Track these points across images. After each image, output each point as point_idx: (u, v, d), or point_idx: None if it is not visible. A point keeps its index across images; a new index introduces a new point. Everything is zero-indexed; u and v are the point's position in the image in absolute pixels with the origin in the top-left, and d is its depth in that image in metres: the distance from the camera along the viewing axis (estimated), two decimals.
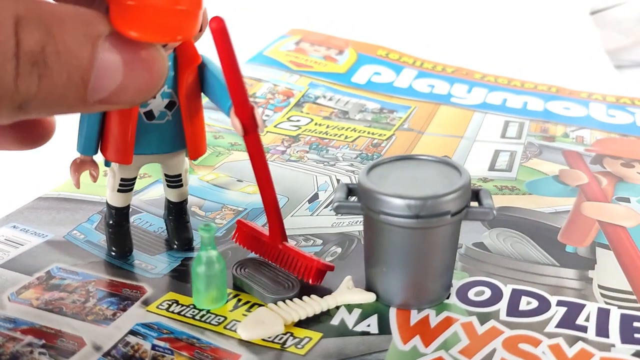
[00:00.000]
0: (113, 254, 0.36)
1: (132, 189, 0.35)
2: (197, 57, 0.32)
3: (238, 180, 0.45)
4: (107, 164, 0.34)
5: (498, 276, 0.35)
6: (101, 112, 0.32)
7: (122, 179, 0.35)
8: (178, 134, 0.33)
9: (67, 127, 0.51)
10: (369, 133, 0.52)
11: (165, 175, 0.36)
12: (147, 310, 0.32)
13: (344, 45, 0.66)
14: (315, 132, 0.52)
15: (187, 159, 0.36)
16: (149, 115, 0.32)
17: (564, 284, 0.35)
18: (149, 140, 0.33)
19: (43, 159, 0.47)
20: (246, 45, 0.71)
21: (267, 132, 0.52)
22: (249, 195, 0.43)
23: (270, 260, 0.35)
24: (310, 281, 0.33)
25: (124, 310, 0.32)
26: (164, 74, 0.23)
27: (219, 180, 0.45)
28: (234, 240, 0.36)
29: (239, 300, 0.33)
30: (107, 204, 0.36)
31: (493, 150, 0.50)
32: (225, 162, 0.47)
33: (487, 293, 0.34)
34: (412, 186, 0.30)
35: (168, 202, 0.37)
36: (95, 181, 0.34)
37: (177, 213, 0.37)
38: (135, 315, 0.32)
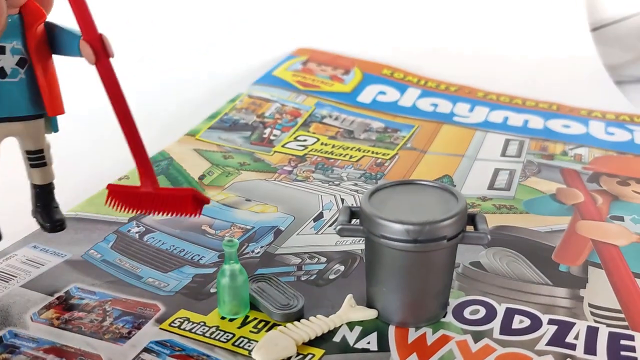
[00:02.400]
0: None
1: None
2: (42, 13, 0.33)
3: (247, 200, 0.47)
4: None
5: (493, 295, 0.37)
6: None
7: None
8: (34, 95, 0.34)
9: (84, 149, 0.53)
10: (373, 152, 0.54)
11: (27, 153, 0.36)
12: (160, 328, 0.34)
13: (350, 64, 0.69)
14: (321, 152, 0.54)
15: (47, 137, 0.36)
16: (1, 73, 0.33)
17: (556, 303, 0.37)
18: (5, 100, 0.33)
19: (59, 180, 0.49)
20: (255, 64, 0.73)
21: (275, 152, 0.54)
22: (257, 214, 0.45)
23: (148, 210, 0.34)
24: (190, 211, 0.33)
25: (139, 328, 0.34)
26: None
27: (228, 200, 0.47)
28: (108, 204, 0.35)
29: (247, 317, 0.35)
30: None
31: (493, 168, 0.52)
32: (235, 182, 0.49)
33: (482, 312, 0.36)
34: (411, 211, 0.32)
35: (33, 187, 0.37)
36: None
37: (44, 199, 0.36)
38: (149, 333, 0.34)
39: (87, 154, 0.52)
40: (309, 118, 0.59)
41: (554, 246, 0.42)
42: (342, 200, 0.47)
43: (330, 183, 0.49)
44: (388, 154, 0.54)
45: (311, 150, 0.54)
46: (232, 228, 0.44)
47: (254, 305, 0.36)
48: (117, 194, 0.35)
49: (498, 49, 0.73)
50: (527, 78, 0.68)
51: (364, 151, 0.54)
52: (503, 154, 0.54)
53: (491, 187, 0.49)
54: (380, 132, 0.57)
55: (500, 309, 0.36)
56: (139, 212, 0.35)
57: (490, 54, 0.72)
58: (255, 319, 0.35)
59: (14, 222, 0.44)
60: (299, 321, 0.34)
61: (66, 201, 0.46)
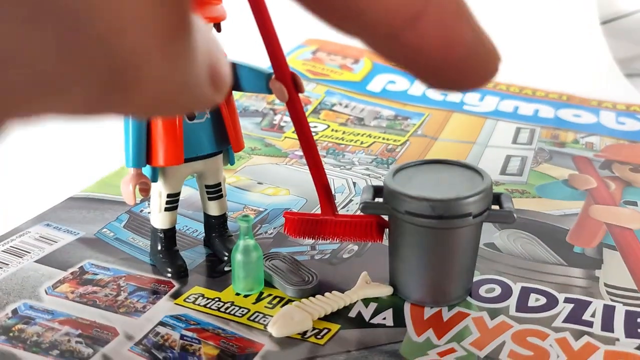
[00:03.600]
0: (169, 275, 0.36)
1: (177, 207, 0.36)
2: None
3: (258, 183, 0.47)
4: (153, 178, 0.35)
5: (508, 275, 0.37)
6: (145, 123, 0.33)
7: (168, 195, 0.35)
8: (218, 132, 0.35)
9: (93, 132, 0.53)
10: (383, 139, 0.54)
11: (206, 187, 0.37)
12: (175, 303, 0.34)
13: (359, 54, 0.69)
14: (332, 138, 0.54)
15: (223, 171, 0.37)
16: (190, 115, 0.34)
17: (571, 283, 0.36)
18: (193, 141, 0.34)
19: (70, 162, 0.50)
20: (264, 54, 0.73)
21: (286, 137, 0.54)
22: (269, 197, 0.45)
23: (328, 236, 0.35)
24: (374, 238, 0.34)
25: (154, 303, 0.34)
26: None
27: (240, 183, 0.47)
28: (285, 232, 0.36)
29: (261, 293, 0.35)
30: (153, 231, 0.36)
31: (504, 155, 0.52)
32: (246, 166, 0.49)
33: (497, 290, 0.36)
34: (435, 188, 0.32)
35: (209, 219, 0.38)
36: (147, 195, 0.34)
37: (220, 228, 0.38)
38: (164, 307, 0.34)
39: (98, 136, 0.52)
40: (319, 106, 0.59)
41: (567, 229, 0.42)
42: (354, 183, 0.47)
43: (341, 167, 0.49)
44: (399, 140, 0.54)
45: (322, 137, 0.54)
46: (244, 210, 0.44)
47: (268, 283, 0.36)
48: (294, 221, 0.36)
49: (507, 41, 0.73)
50: (537, 70, 0.68)
51: (374, 137, 0.54)
52: (514, 142, 0.54)
53: (503, 172, 0.49)
54: (391, 119, 0.57)
55: (516, 288, 0.36)
56: (319, 239, 0.36)
57: (499, 45, 0.72)
58: (270, 295, 0.35)
59: (26, 201, 0.44)
60: (314, 297, 0.34)
61: (78, 182, 0.46)
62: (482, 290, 0.35)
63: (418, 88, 0.63)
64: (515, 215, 0.33)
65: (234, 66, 0.35)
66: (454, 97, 0.62)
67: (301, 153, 0.51)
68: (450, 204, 0.31)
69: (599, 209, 0.44)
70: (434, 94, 0.62)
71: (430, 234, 0.32)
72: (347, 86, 0.63)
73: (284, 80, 0.33)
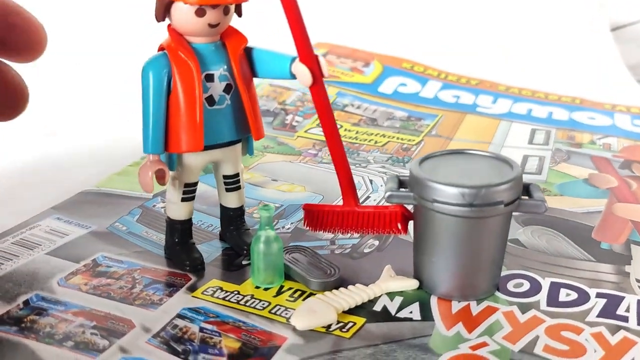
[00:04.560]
0: (186, 267, 0.35)
1: (194, 197, 0.35)
2: (243, 38, 0.33)
3: (273, 180, 0.46)
4: (170, 167, 0.34)
5: (535, 270, 0.36)
6: (165, 106, 0.32)
7: (185, 185, 0.34)
8: (238, 119, 0.34)
9: (101, 125, 0.52)
10: (398, 138, 0.53)
11: (224, 177, 0.36)
12: (193, 296, 0.33)
13: (370, 58, 0.68)
14: (345, 138, 0.53)
15: (241, 162, 0.36)
16: (210, 100, 0.33)
17: (601, 278, 0.35)
18: (213, 128, 0.33)
19: (82, 157, 0.48)
20: (275, 43, 0.72)
21: (298, 136, 0.53)
22: (284, 193, 0.44)
23: (350, 228, 0.34)
24: (399, 229, 0.33)
25: (170, 296, 0.33)
26: None
27: (254, 180, 0.46)
28: (305, 225, 0.35)
29: (282, 286, 0.34)
30: (169, 222, 0.35)
31: (522, 155, 0.51)
32: (260, 164, 0.48)
33: (526, 285, 0.34)
34: (464, 176, 0.31)
35: (226, 211, 0.37)
36: (164, 183, 0.33)
37: (237, 221, 0.36)
38: (181, 300, 0.33)
39: (110, 130, 0.51)
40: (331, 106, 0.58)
41: (592, 226, 0.41)
42: (371, 181, 0.46)
43: (357, 165, 0.48)
44: (414, 140, 0.53)
45: None
46: (260, 204, 0.42)
47: (288, 276, 0.35)
48: (314, 213, 0.35)
49: (518, 45, 0.72)
50: (549, 75, 0.67)
51: (388, 137, 0.53)
52: (530, 142, 0.53)
53: (522, 171, 0.48)
54: (404, 120, 0.57)
55: (545, 283, 0.35)
56: (340, 232, 0.35)
57: (511, 50, 0.72)
58: (291, 288, 0.34)
59: (38, 195, 0.42)
60: (337, 290, 0.33)
61: (89, 177, 0.45)
62: (510, 285, 0.34)
63: (430, 90, 0.62)
64: (546, 204, 0.32)
65: (255, 52, 0.34)
66: (467, 99, 0.61)
67: (314, 151, 0.51)
68: (482, 192, 0.30)
69: (623, 206, 0.43)
70: (446, 97, 0.61)
71: (459, 223, 0.31)
72: (358, 88, 0.62)
73: (309, 62, 0.32)
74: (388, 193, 0.32)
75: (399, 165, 0.49)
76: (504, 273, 0.35)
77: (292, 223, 0.40)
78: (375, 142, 0.52)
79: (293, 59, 0.33)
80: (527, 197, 0.33)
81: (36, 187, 0.44)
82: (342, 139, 0.53)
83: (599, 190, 0.45)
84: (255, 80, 0.35)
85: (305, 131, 0.54)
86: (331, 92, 0.61)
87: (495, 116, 0.58)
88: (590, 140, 0.54)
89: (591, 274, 0.36)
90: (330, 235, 0.39)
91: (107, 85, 0.59)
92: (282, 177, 0.46)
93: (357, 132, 0.54)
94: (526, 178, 0.46)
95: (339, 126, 0.55)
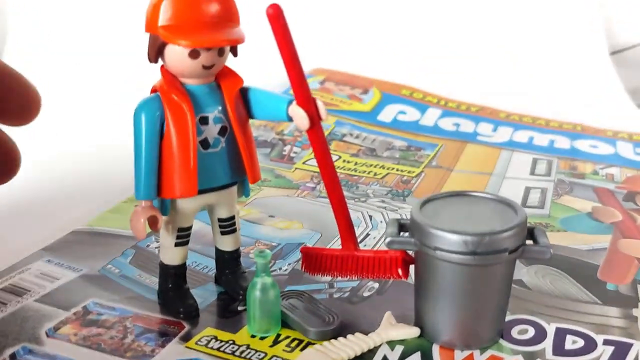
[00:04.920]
0: (180, 315, 0.34)
1: (188, 242, 0.34)
2: (238, 79, 0.33)
3: (270, 216, 0.45)
4: (163, 212, 0.33)
5: (541, 314, 0.35)
6: (158, 151, 0.31)
7: (179, 229, 0.33)
8: (233, 162, 0.33)
9: (97, 161, 0.51)
10: (397, 170, 0.52)
11: (219, 220, 0.35)
12: (187, 347, 0.32)
13: (368, 84, 0.67)
14: (344, 169, 0.52)
15: (236, 205, 0.35)
16: (204, 143, 0.32)
17: (608, 323, 0.34)
18: (207, 171, 0.32)
19: (74, 194, 0.47)
20: (271, 83, 0.72)
21: (296, 168, 0.52)
22: (282, 231, 0.43)
23: (349, 273, 0.33)
24: (401, 273, 0.32)
25: (163, 346, 0.32)
26: None
27: (251, 216, 0.45)
28: (303, 269, 0.35)
29: (279, 335, 0.33)
30: (163, 267, 0.34)
31: (523, 187, 0.50)
32: (257, 198, 0.47)
33: (531, 331, 0.33)
34: (467, 222, 0.30)
35: (221, 254, 0.36)
36: (157, 229, 0.32)
37: (233, 264, 0.35)
38: (174, 351, 0.32)
39: (103, 167, 0.50)
40: (329, 136, 0.57)
41: (597, 264, 0.40)
42: (370, 217, 0.45)
43: (356, 200, 0.47)
44: (414, 172, 0.52)
45: None
46: (256, 244, 0.41)
47: (285, 323, 0.34)
48: (313, 257, 0.34)
49: (518, 72, 0.72)
50: (549, 101, 0.67)
51: (388, 168, 0.52)
52: (532, 173, 0.52)
53: (524, 204, 0.47)
54: (404, 150, 0.56)
55: (550, 329, 0.33)
56: (339, 276, 0.34)
57: (510, 76, 0.71)
58: (288, 337, 0.33)
59: (27, 234, 0.41)
60: (335, 339, 0.32)
61: (81, 215, 0.44)
62: (514, 332, 0.33)
63: (430, 118, 0.62)
64: (551, 251, 0.31)
65: (251, 92, 0.33)
66: (467, 127, 0.60)
67: (312, 185, 0.50)
68: (485, 239, 0.29)
69: (628, 243, 0.42)
70: (446, 125, 0.61)
71: (462, 271, 0.30)
72: (357, 116, 0.61)
73: (306, 106, 0.31)
74: (388, 239, 0.31)
75: (399, 200, 0.48)
76: (508, 318, 0.34)
77: (289, 264, 0.39)
78: (375, 174, 0.51)
79: (290, 101, 0.32)
80: (531, 242, 0.32)
81: (27, 225, 0.43)
82: (341, 170, 0.53)
83: (603, 225, 0.44)
84: None
85: (304, 162, 0.53)
86: (330, 121, 0.60)
87: (496, 145, 0.57)
88: (593, 170, 0.53)
89: (598, 318, 0.35)
90: (328, 278, 0.37)
91: (100, 118, 0.58)
92: (280, 212, 0.45)
93: (355, 164, 0.53)
94: (529, 212, 0.45)
95: (337, 157, 0.55)
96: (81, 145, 0.55)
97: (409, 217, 0.32)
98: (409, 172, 0.52)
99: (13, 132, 0.36)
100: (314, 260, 0.34)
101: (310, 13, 0.76)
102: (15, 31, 0.72)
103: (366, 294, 0.36)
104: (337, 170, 0.52)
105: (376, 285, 0.37)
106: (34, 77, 0.35)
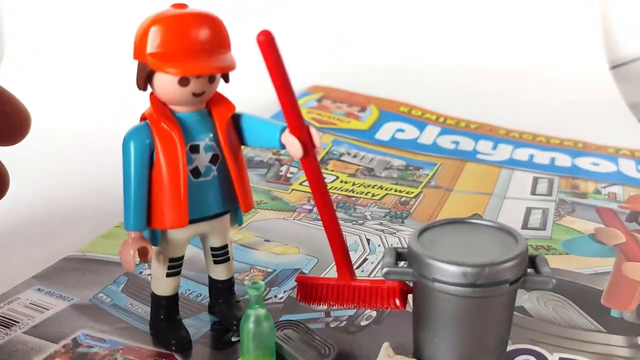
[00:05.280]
0: (172, 347, 0.33)
1: (180, 272, 0.33)
2: (230, 105, 0.32)
3: (266, 240, 0.44)
4: (154, 242, 0.32)
5: (543, 344, 0.34)
6: (147, 181, 0.30)
7: (170, 260, 0.32)
8: (225, 191, 0.32)
9: (89, 184, 0.50)
10: (396, 191, 0.51)
11: (212, 249, 0.34)
12: None
13: (366, 102, 0.66)
14: (342, 190, 0.51)
15: (230, 232, 0.34)
16: (195, 172, 0.31)
17: (612, 352, 0.33)
18: (199, 201, 0.31)
19: (66, 220, 0.47)
20: (269, 101, 0.71)
21: (293, 190, 0.51)
22: (277, 256, 0.42)
23: (345, 303, 0.33)
24: (399, 303, 0.32)
25: None
26: None
27: (246, 241, 0.44)
28: (298, 298, 0.34)
29: None
30: (154, 297, 0.33)
31: (524, 207, 0.49)
32: (252, 222, 0.46)
33: None
34: (466, 252, 0.29)
35: (214, 283, 0.35)
36: (148, 261, 0.31)
37: (226, 293, 0.35)
38: None
39: (94, 192, 0.50)
40: (327, 156, 0.57)
41: (601, 289, 0.39)
42: (368, 240, 0.44)
43: (353, 222, 0.46)
44: (412, 192, 0.51)
45: (331, 189, 0.51)
46: (251, 271, 0.41)
47: (280, 355, 0.33)
48: (308, 287, 0.33)
49: (517, 88, 0.71)
50: (549, 116, 0.66)
51: (386, 189, 0.51)
52: (533, 192, 0.51)
53: (525, 226, 0.46)
54: (402, 169, 0.55)
55: (553, 359, 0.32)
56: (335, 305, 0.33)
57: (509, 93, 0.70)
58: None
59: (17, 263, 0.41)
60: None
61: (73, 242, 0.43)
62: None
63: (428, 136, 0.61)
64: (554, 281, 0.30)
65: (243, 119, 0.33)
66: (466, 145, 0.59)
67: (309, 207, 0.49)
68: (485, 271, 0.28)
69: (632, 266, 0.41)
70: (445, 143, 0.60)
71: (461, 303, 0.29)
72: (354, 135, 0.60)
73: (299, 134, 0.30)
74: (385, 269, 0.30)
75: (397, 222, 0.47)
76: (510, 348, 0.33)
77: (285, 291, 0.38)
78: (373, 195, 0.50)
79: (283, 128, 0.31)
80: (532, 270, 0.31)
81: (17, 251, 0.43)
82: (339, 191, 0.52)
83: (606, 247, 0.43)
84: None
85: (300, 183, 0.52)
86: (327, 140, 0.59)
87: (495, 163, 0.56)
88: (595, 189, 0.52)
89: (602, 347, 0.34)
90: (324, 307, 0.37)
91: (92, 142, 0.57)
92: (276, 236, 0.44)
93: (353, 184, 0.52)
94: (530, 234, 0.45)
95: (335, 177, 0.54)
96: (73, 167, 0.54)
97: (406, 244, 0.31)
98: (407, 192, 0.51)
99: (2, 155, 0.35)
100: (310, 290, 0.34)
101: (308, 30, 0.75)
102: (11, 49, 0.71)
103: (363, 322, 0.35)
104: (335, 191, 0.52)
105: (374, 314, 0.36)
106: (27, 98, 0.34)
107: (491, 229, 0.31)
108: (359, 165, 0.55)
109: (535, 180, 0.53)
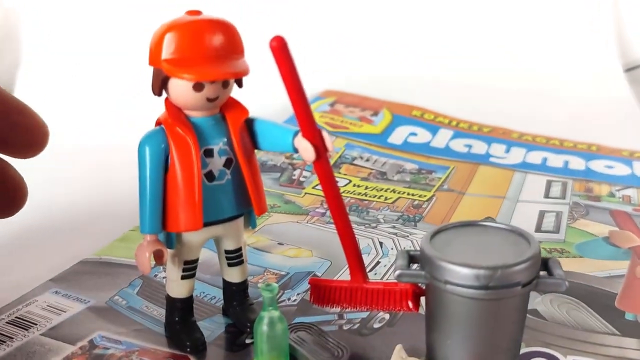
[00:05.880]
0: (188, 349, 0.33)
1: (195, 274, 0.34)
2: (244, 110, 0.32)
3: (279, 244, 0.44)
4: (169, 245, 0.32)
5: (556, 346, 0.34)
6: (163, 185, 0.31)
7: (185, 262, 0.33)
8: (239, 194, 0.32)
9: (105, 189, 0.51)
10: (408, 194, 0.51)
11: (226, 252, 0.34)
12: None
13: (379, 106, 0.67)
14: (354, 194, 0.51)
15: (244, 235, 0.35)
16: (210, 176, 0.31)
17: (626, 355, 0.33)
18: (213, 204, 0.32)
19: (81, 224, 0.47)
20: (280, 106, 0.72)
21: (306, 193, 0.51)
22: (291, 259, 0.42)
23: (358, 305, 0.33)
24: (412, 306, 0.32)
25: None
26: None
27: (259, 244, 0.44)
28: (311, 301, 0.34)
29: None
30: (169, 300, 0.34)
31: (538, 210, 0.49)
32: (266, 225, 0.46)
33: None
34: (479, 254, 0.29)
35: (228, 286, 0.35)
36: (163, 263, 0.32)
37: (240, 296, 0.35)
38: None
39: (110, 196, 0.50)
40: (339, 159, 0.57)
41: (615, 292, 0.38)
42: (381, 243, 0.44)
43: (366, 226, 0.47)
44: (425, 196, 0.51)
45: (344, 192, 0.51)
46: (265, 274, 0.41)
47: (294, 357, 0.33)
48: (321, 289, 0.33)
49: (530, 92, 0.71)
50: (562, 119, 0.66)
51: (399, 192, 0.52)
52: (546, 196, 0.51)
53: (538, 229, 0.46)
54: (415, 173, 0.55)
55: None
56: (348, 308, 0.33)
57: (522, 96, 0.70)
58: None
59: (35, 266, 0.41)
60: None
61: (89, 245, 0.43)
62: None
63: (441, 140, 0.61)
64: (567, 283, 0.30)
65: (256, 123, 0.33)
66: (479, 148, 0.59)
67: (322, 210, 0.49)
68: (498, 273, 0.28)
69: None
70: (458, 146, 0.60)
71: (474, 305, 0.29)
72: (367, 139, 0.60)
73: (312, 138, 0.31)
74: (398, 271, 0.31)
75: (410, 225, 0.47)
76: (523, 351, 0.33)
77: (298, 294, 0.38)
78: (385, 199, 0.51)
79: (296, 132, 0.32)
80: (545, 273, 0.31)
81: (35, 254, 0.43)
82: (351, 195, 0.53)
83: (620, 250, 0.43)
84: None
85: (313, 187, 0.52)
86: (340, 143, 0.60)
87: (509, 167, 0.56)
88: (609, 192, 0.52)
89: (616, 350, 0.34)
90: (337, 309, 0.37)
91: (108, 147, 0.58)
92: (289, 240, 0.45)
93: (366, 188, 0.52)
94: (544, 237, 0.45)
95: (347, 181, 0.55)
96: (89, 173, 0.55)
97: (418, 247, 0.31)
98: (420, 196, 0.51)
99: (20, 161, 0.36)
100: (323, 293, 0.34)
101: (320, 35, 0.76)
102: (29, 56, 0.72)
103: (376, 325, 0.36)
104: (348, 194, 0.52)
105: (387, 316, 0.36)
106: (43, 105, 0.35)
107: (503, 232, 0.32)
108: (372, 169, 0.56)
109: (549, 184, 0.53)
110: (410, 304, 0.32)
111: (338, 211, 0.32)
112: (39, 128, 0.33)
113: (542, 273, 0.30)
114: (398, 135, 0.61)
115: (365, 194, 0.51)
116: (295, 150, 0.32)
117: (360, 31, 0.77)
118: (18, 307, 0.37)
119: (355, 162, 0.57)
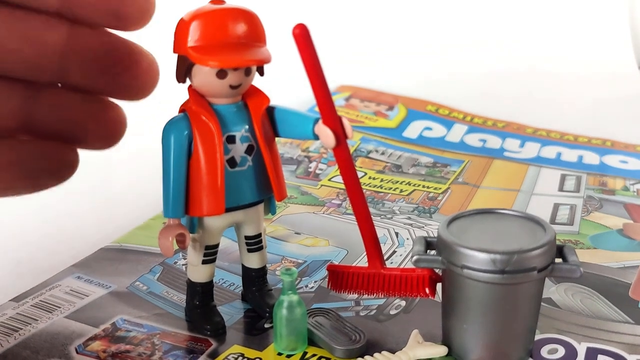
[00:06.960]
0: (207, 332, 0.34)
1: (215, 259, 0.34)
2: (265, 98, 0.33)
3: (296, 233, 0.45)
4: (191, 230, 0.33)
5: (570, 333, 0.34)
6: (186, 170, 0.32)
7: (206, 247, 0.34)
8: (260, 180, 0.33)
9: (127, 178, 0.52)
10: (424, 187, 0.52)
11: (246, 238, 0.35)
12: None
13: (394, 101, 0.67)
14: (370, 186, 0.52)
15: (263, 222, 0.35)
16: (232, 162, 0.32)
17: None
18: (234, 190, 0.32)
19: (102, 211, 0.48)
20: (297, 100, 0.72)
21: (322, 185, 0.52)
22: (308, 248, 0.43)
23: (375, 291, 0.33)
24: (427, 293, 0.32)
25: None
26: None
27: (277, 233, 0.45)
28: (329, 287, 0.35)
29: (305, 353, 0.33)
30: (190, 284, 0.35)
31: (552, 203, 0.49)
32: (283, 215, 0.47)
33: (561, 351, 0.33)
34: (495, 240, 0.30)
35: (248, 271, 0.36)
36: (185, 247, 0.33)
37: (259, 281, 0.36)
38: None
39: (131, 184, 0.51)
40: (355, 153, 0.58)
41: (629, 282, 0.39)
42: (397, 233, 0.45)
43: (382, 217, 0.47)
44: (440, 188, 0.52)
45: None
46: (282, 262, 0.42)
47: (312, 341, 0.34)
48: (339, 275, 0.34)
49: (544, 87, 0.71)
50: (577, 115, 0.66)
51: (414, 185, 0.52)
52: (561, 189, 0.52)
53: (553, 221, 0.47)
54: (430, 166, 0.55)
55: (581, 349, 0.33)
56: (365, 293, 0.34)
57: (536, 92, 0.71)
58: (315, 355, 0.33)
59: (58, 251, 0.42)
60: (362, 358, 0.32)
61: (110, 233, 0.44)
62: (544, 351, 0.33)
63: (456, 134, 0.61)
64: (581, 270, 0.30)
65: (277, 111, 0.34)
66: (494, 143, 0.60)
67: (338, 201, 0.50)
68: (514, 258, 0.29)
69: None
70: (473, 141, 0.60)
71: (490, 290, 0.30)
72: (382, 133, 0.61)
73: (332, 124, 0.31)
74: (415, 257, 0.31)
75: (425, 216, 0.47)
76: (537, 337, 0.33)
77: (315, 281, 0.39)
78: (401, 191, 0.51)
79: (316, 120, 0.32)
80: (561, 260, 0.31)
81: (58, 241, 0.44)
82: (367, 187, 0.53)
83: (634, 242, 0.44)
84: None
85: (329, 179, 0.53)
86: (355, 137, 0.60)
87: (523, 161, 0.56)
88: (623, 186, 0.52)
89: (630, 337, 0.34)
90: (355, 296, 0.37)
91: (130, 135, 0.59)
92: (306, 229, 0.45)
93: (381, 180, 0.53)
94: (558, 229, 0.45)
95: (363, 174, 0.55)
96: (111, 162, 0.56)
97: (435, 234, 0.32)
98: (435, 188, 0.52)
99: None
100: (340, 278, 0.34)
101: (336, 30, 0.76)
102: None
103: (393, 311, 0.36)
104: (363, 187, 0.52)
105: (403, 303, 0.37)
106: None
107: (520, 219, 0.32)
108: (387, 162, 0.56)
109: (563, 178, 0.53)
110: (427, 290, 0.32)
111: (357, 197, 0.33)
112: (148, 64, 0.35)
113: (557, 260, 0.31)
114: (413, 130, 0.62)
115: (381, 186, 0.52)
116: (316, 137, 0.32)
117: (376, 27, 0.78)
118: (42, 291, 0.38)
119: (371, 155, 0.57)
